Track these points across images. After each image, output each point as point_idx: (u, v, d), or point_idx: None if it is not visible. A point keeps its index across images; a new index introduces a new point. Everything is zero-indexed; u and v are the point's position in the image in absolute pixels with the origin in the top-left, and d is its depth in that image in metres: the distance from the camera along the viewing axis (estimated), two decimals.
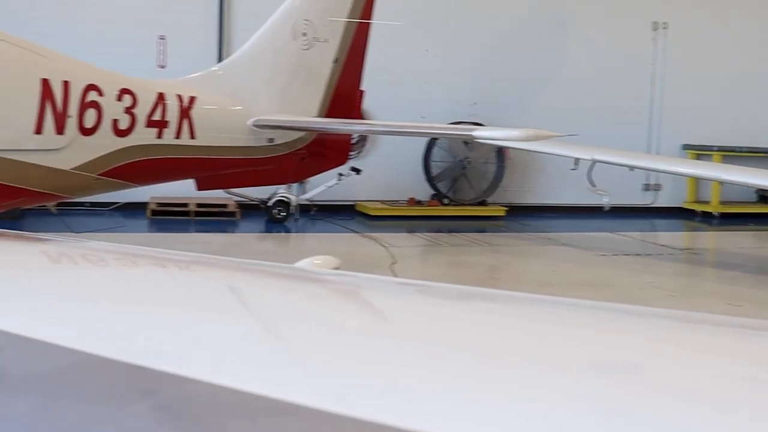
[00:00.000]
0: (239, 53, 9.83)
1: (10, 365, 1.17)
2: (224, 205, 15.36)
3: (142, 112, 8.11)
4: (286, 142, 9.68)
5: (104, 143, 7.80)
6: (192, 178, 9.42)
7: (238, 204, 15.46)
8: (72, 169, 7.58)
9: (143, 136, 8.12)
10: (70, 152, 7.51)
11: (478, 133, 9.37)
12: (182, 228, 14.64)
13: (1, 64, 7.03)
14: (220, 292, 2.13)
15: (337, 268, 2.98)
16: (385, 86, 15.11)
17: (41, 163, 7.33)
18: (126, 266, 2.59)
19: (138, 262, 2.67)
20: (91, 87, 7.64)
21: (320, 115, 10.25)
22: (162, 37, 15.74)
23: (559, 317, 1.96)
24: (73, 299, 1.80)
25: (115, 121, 7.85)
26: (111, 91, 7.85)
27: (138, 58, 14.78)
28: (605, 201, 12.69)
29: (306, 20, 10.01)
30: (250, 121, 9.25)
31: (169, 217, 15.08)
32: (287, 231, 15.15)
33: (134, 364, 1.14)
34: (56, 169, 7.45)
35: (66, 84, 7.42)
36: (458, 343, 1.50)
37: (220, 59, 15.54)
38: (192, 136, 8.59)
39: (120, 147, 7.93)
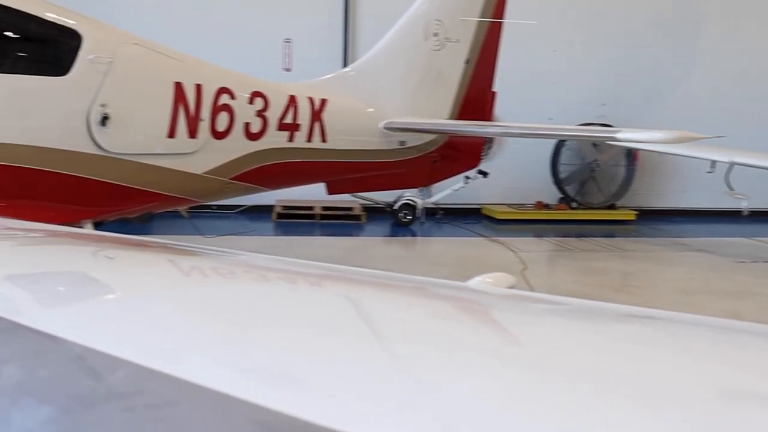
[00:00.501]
0: (370, 54, 9.58)
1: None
2: (350, 209, 15.19)
3: (273, 115, 7.93)
4: (417, 145, 9.39)
5: (236, 147, 7.64)
6: (322, 181, 9.22)
7: (364, 207, 15.27)
8: (204, 173, 7.44)
9: (275, 139, 7.94)
10: (202, 156, 7.37)
11: (622, 135, 8.89)
12: (307, 231, 14.52)
13: (136, 69, 6.92)
14: (372, 314, 1.89)
15: (512, 287, 2.64)
16: (511, 87, 14.69)
17: (174, 168, 7.21)
18: (256, 280, 2.42)
19: (267, 276, 2.51)
20: (223, 90, 7.50)
21: (451, 118, 9.93)
22: (287, 41, 15.67)
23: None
24: (202, 324, 1.61)
25: (247, 125, 7.69)
26: (243, 94, 7.69)
27: (263, 62, 14.74)
28: (744, 205, 12.03)
29: (437, 20, 9.71)
30: (381, 124, 8.99)
31: (294, 220, 14.98)
32: (413, 235, 14.88)
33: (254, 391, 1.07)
34: (189, 173, 7.33)
35: (198, 87, 7.28)
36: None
37: (345, 62, 15.39)
38: (323, 140, 8.38)
39: (252, 151, 7.77)
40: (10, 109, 6.24)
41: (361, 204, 15.09)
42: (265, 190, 8.47)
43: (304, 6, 15.91)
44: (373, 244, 14.19)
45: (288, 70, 15.46)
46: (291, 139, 8.10)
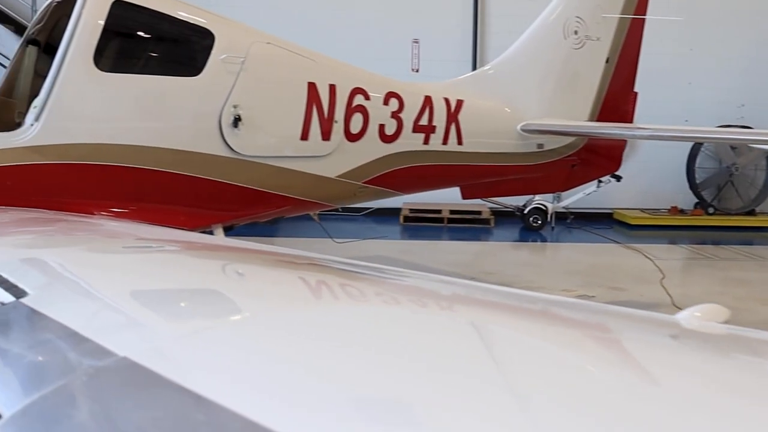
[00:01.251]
0: (508, 53, 9.10)
1: None
2: (478, 212, 14.74)
3: (408, 116, 7.55)
4: (555, 149, 8.88)
5: (370, 150, 7.29)
6: (457, 186, 8.79)
7: (492, 211, 14.78)
8: (337, 176, 7.11)
9: (410, 141, 7.56)
10: (335, 159, 7.04)
11: None
12: (435, 235, 14.14)
13: (269, 68, 6.63)
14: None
15: (725, 322, 2.19)
16: (644, 87, 13.96)
17: (306, 171, 6.90)
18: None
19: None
20: (357, 90, 7.15)
21: (591, 119, 9.38)
22: (416, 41, 15.31)
23: None
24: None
25: (382, 126, 7.32)
26: (377, 95, 7.33)
27: (391, 63, 14.40)
28: None
29: (578, 18, 9.18)
30: (518, 126, 8.52)
31: (421, 224, 14.61)
32: (543, 240, 14.34)
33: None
34: (321, 176, 7.01)
35: (332, 88, 6.96)
36: None
37: (474, 62, 14.97)
38: (459, 142, 7.96)
39: (386, 154, 7.40)
40: (142, 111, 6.02)
41: (489, 208, 14.60)
42: (398, 195, 8.09)
43: (433, 6, 15.52)
44: (502, 249, 13.71)
45: (416, 70, 15.09)
46: (426, 142, 7.71)
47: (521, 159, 8.67)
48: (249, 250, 3.51)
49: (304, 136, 6.77)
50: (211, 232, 6.72)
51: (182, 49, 6.55)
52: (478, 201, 13.85)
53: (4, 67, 13.83)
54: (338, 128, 6.98)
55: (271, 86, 6.64)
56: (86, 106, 5.81)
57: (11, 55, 13.58)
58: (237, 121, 6.30)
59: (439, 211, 14.48)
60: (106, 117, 5.88)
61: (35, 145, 5.63)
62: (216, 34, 6.36)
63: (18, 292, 2.23)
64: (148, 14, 6.28)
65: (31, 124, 5.63)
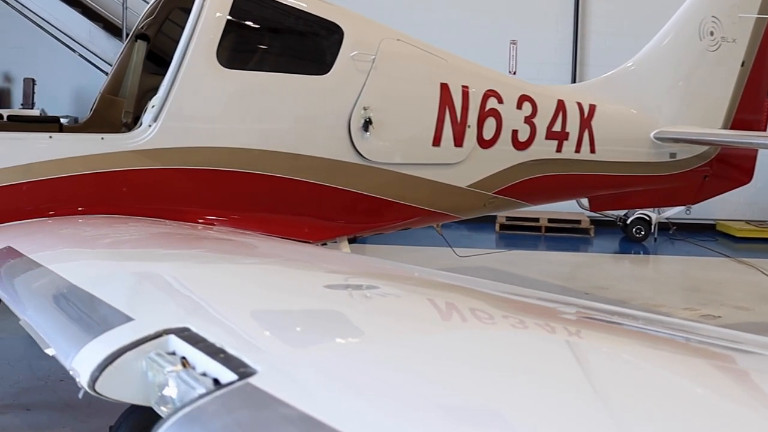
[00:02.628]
0: (641, 55, 8.31)
1: None
2: (577, 221, 13.94)
3: (542, 122, 6.83)
4: (688, 158, 8.10)
5: (502, 157, 6.59)
6: (586, 197, 8.03)
7: (592, 220, 13.97)
8: (468, 186, 6.42)
9: (543, 149, 6.85)
10: (467, 167, 6.36)
11: None
12: (532, 244, 13.39)
13: (400, 67, 5.98)
14: None
15: None
16: None
17: (437, 179, 6.24)
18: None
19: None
20: (490, 93, 6.45)
21: (725, 127, 8.54)
22: (513, 42, 14.55)
23: None
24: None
25: (515, 132, 6.61)
26: (511, 98, 6.62)
27: (488, 64, 13.57)
28: None
29: (714, 18, 8.36)
30: (652, 134, 7.72)
31: (517, 232, 13.85)
32: (645, 252, 13.49)
33: None
34: (452, 185, 6.33)
35: (465, 90, 6.27)
36: None
37: (574, 65, 14.21)
38: (592, 150, 7.22)
39: (518, 162, 6.69)
40: (267, 112, 5.42)
41: (589, 217, 13.78)
42: (527, 206, 7.36)
43: (532, 7, 14.74)
44: (604, 261, 12.89)
45: (513, 73, 14.34)
46: (559, 149, 6.98)
47: (654, 169, 7.89)
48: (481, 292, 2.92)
49: (436, 141, 6.09)
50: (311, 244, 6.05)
51: (310, 45, 5.91)
52: (577, 209, 13.01)
53: (94, 65, 13.48)
54: (471, 134, 6.29)
55: (403, 87, 5.98)
56: (208, 105, 5.21)
57: (102, 53, 13.23)
58: (367, 124, 5.66)
59: (536, 220, 13.71)
60: (228, 118, 5.28)
61: (153, 148, 5.02)
62: (345, 29, 5.73)
63: (240, 367, 1.58)
64: (274, 7, 5.67)
65: (149, 125, 5.02)
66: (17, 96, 14.67)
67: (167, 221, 4.97)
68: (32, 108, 13.66)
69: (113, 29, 13.43)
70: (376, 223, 6.16)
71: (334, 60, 5.64)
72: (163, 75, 6.43)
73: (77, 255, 3.73)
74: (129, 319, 2.17)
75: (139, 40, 6.41)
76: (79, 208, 4.93)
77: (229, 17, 5.27)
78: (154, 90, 6.41)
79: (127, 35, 13.10)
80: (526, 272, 10.87)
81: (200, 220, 5.27)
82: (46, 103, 13.90)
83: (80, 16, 13.23)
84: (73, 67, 14.13)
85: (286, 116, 5.49)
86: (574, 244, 13.60)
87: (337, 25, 5.74)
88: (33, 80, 14.10)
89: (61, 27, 13.19)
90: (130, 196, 5.05)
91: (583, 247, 13.60)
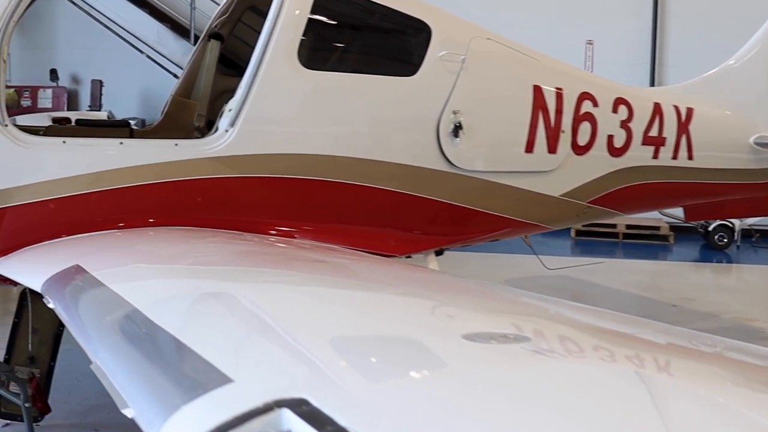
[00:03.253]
0: (740, 54, 7.71)
1: None
2: (656, 228, 13.33)
3: (638, 126, 6.31)
4: None
5: (597, 165, 6.08)
6: (682, 206, 7.47)
7: (672, 227, 13.34)
8: (561, 195, 5.93)
9: (639, 155, 6.33)
10: (560, 175, 5.87)
11: None
12: (608, 251, 12.82)
13: (492, 68, 5.53)
14: None
15: None
16: None
17: (529, 189, 5.77)
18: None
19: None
20: (584, 96, 5.95)
21: None
22: (590, 42, 13.97)
23: None
24: None
25: (610, 138, 6.10)
26: (606, 101, 6.12)
27: None
28: None
29: None
30: (751, 139, 7.13)
31: (594, 239, 13.28)
32: (728, 260, 12.85)
33: None
34: (545, 195, 5.85)
35: (559, 92, 5.79)
36: None
37: (653, 65, 13.63)
38: (690, 157, 6.67)
39: (613, 169, 6.18)
40: (351, 115, 5.01)
41: (668, 223, 13.17)
42: (620, 216, 6.85)
43: (608, 5, 14.15)
44: (683, 269, 12.30)
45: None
46: (656, 156, 6.45)
47: (753, 176, 7.30)
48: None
49: (529, 148, 5.61)
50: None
51: (396, 44, 5.49)
52: (656, 215, 12.44)
53: (161, 66, 13.23)
54: (565, 139, 5.79)
55: (495, 89, 5.53)
56: (289, 109, 4.81)
57: (170, 54, 12.96)
58: (457, 129, 5.21)
59: (614, 226, 13.13)
60: (310, 122, 4.88)
61: (230, 155, 4.61)
62: (432, 27, 5.30)
63: None
64: (357, 4, 5.26)
65: (226, 130, 4.61)
66: (85, 97, 14.51)
67: (245, 234, 4.57)
68: (100, 110, 13.48)
69: (181, 30, 13.15)
70: (463, 236, 5.71)
71: (422, 60, 5.21)
72: (238, 76, 6.04)
73: (155, 280, 3.33)
74: (228, 380, 1.75)
75: (212, 40, 6.04)
76: (150, 220, 4.56)
77: (311, 15, 4.86)
78: (228, 92, 6.04)
79: (196, 36, 12.99)
80: (608, 282, 10.33)
81: (277, 232, 4.86)
82: (113, 105, 13.71)
83: (148, 16, 12.99)
84: (140, 69, 13.96)
85: (370, 121, 5.08)
86: (652, 252, 13.02)
87: (424, 23, 5.30)
88: (101, 82, 13.93)
89: (129, 28, 13.00)
90: (204, 206, 4.67)
91: (662, 254, 13.02)
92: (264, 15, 4.94)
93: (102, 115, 11.74)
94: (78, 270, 3.41)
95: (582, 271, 10.78)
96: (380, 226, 5.21)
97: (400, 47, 5.48)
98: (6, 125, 4.31)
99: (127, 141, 4.53)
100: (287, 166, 4.79)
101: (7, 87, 13.30)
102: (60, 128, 5.39)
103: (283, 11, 4.76)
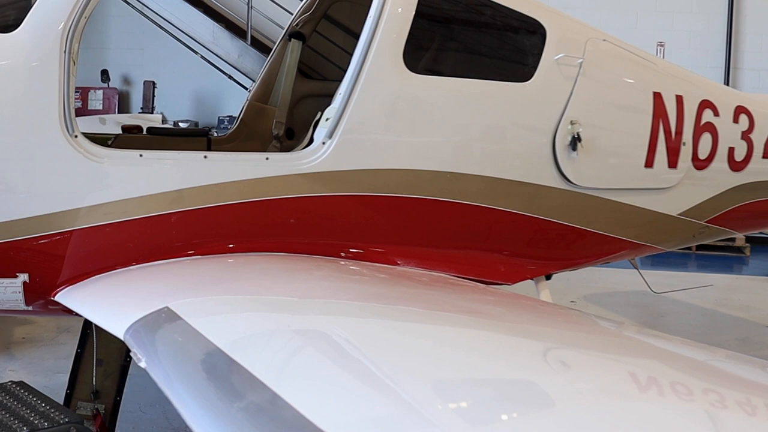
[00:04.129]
0: None
1: None
2: (731, 239, 12.52)
3: (759, 138, 5.66)
4: None
5: (718, 180, 5.43)
6: None
7: (748, 238, 12.56)
8: (679, 214, 5.24)
9: (759, 168, 5.64)
10: (679, 192, 5.21)
11: None
12: (680, 264, 12.06)
13: (611, 73, 4.88)
14: None
15: None
16: None
17: (648, 207, 5.12)
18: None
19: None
20: (705, 104, 5.28)
21: None
22: (660, 44, 13.23)
23: None
24: None
25: (731, 150, 5.44)
26: (727, 110, 5.45)
27: None
28: None
29: None
30: None
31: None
32: None
33: None
34: (662, 214, 5.20)
35: (679, 100, 5.11)
36: None
37: (727, 68, 12.87)
38: None
39: (734, 185, 5.53)
40: (461, 125, 4.39)
41: (744, 234, 12.37)
42: (735, 236, 6.13)
43: (679, 6, 13.38)
44: (758, 285, 11.47)
45: None
46: None
47: None
48: None
49: (649, 162, 4.95)
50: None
51: (509, 46, 4.86)
52: None
53: (216, 67, 12.64)
54: (686, 152, 5.12)
55: (615, 96, 4.89)
56: (394, 118, 4.18)
57: (225, 55, 12.39)
58: (575, 141, 4.53)
59: None
60: (417, 133, 4.24)
61: (327, 170, 3.99)
62: (547, 26, 4.67)
63: None
64: (467, 1, 4.60)
65: (323, 143, 3.97)
66: (136, 99, 14.02)
67: (349, 263, 3.94)
68: (152, 112, 12.99)
69: (237, 30, 12.58)
70: (575, 259, 5.05)
71: (537, 63, 4.57)
72: (322, 80, 5.41)
73: (268, 330, 2.70)
74: None
75: (293, 40, 5.42)
76: (230, 245, 3.93)
77: (418, 12, 4.21)
78: (310, 97, 5.43)
79: (252, 37, 12.45)
80: (689, 298, 9.57)
81: (377, 258, 4.22)
82: (165, 107, 13.22)
83: (203, 16, 12.43)
84: (193, 70, 13.46)
85: (482, 132, 4.44)
86: (726, 264, 12.28)
87: (538, 22, 4.66)
88: (153, 83, 13.43)
89: (183, 28, 12.43)
90: (297, 229, 4.06)
91: (737, 267, 12.29)
92: (354, 12, 4.32)
93: (156, 117, 11.18)
94: (170, 316, 2.79)
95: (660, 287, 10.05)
96: (489, 250, 4.57)
97: (513, 49, 4.84)
98: (76, 136, 3.70)
99: (211, 154, 3.90)
100: (390, 184, 4.17)
101: None
102: (131, 138, 4.80)
103: (387, 7, 4.13)
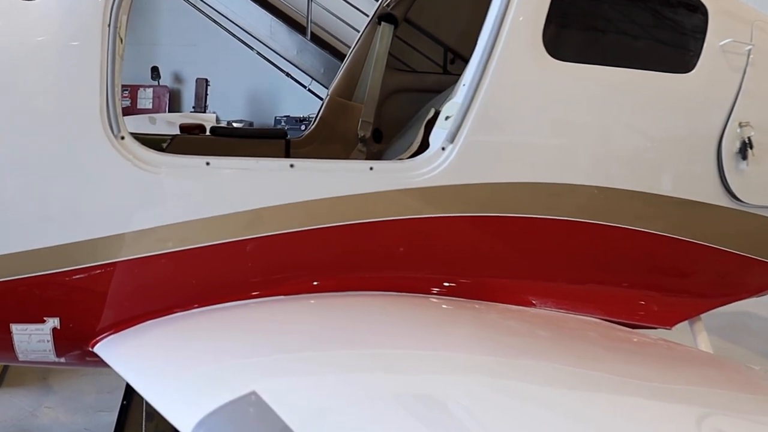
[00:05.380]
0: None
1: None
2: None
3: None
4: None
5: None
6: None
7: None
8: None
9: None
10: None
11: None
12: None
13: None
14: None
15: None
16: None
17: None
18: None
19: None
20: None
21: None
22: None
23: None
24: None
25: None
26: None
27: None
28: None
29: None
30: None
31: None
32: None
33: None
34: None
35: None
36: None
37: None
38: None
39: None
40: (613, 126, 3.37)
41: None
42: None
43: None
44: None
45: None
46: None
47: None
48: None
49: None
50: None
51: (668, 27, 3.80)
52: None
53: (273, 64, 11.70)
54: None
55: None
56: (534, 117, 3.14)
57: (282, 51, 11.45)
58: (745, 148, 3.48)
59: None
60: (562, 136, 3.20)
61: (449, 184, 2.98)
62: (708, 7, 3.61)
63: None
64: None
65: (443, 148, 2.95)
66: (188, 98, 13.16)
67: (485, 308, 2.94)
68: (204, 111, 12.14)
69: (296, 25, 11.64)
70: (739, 294, 4.01)
71: (700, 50, 3.53)
72: (413, 71, 4.42)
73: None
74: None
75: (383, 23, 4.43)
76: (315, 282, 2.94)
77: None
78: (403, 92, 4.43)
79: (312, 32, 11.49)
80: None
81: (508, 297, 3.21)
82: (218, 106, 12.34)
83: (260, 9, 11.49)
84: (248, 66, 12.55)
85: (637, 135, 3.40)
86: None
87: (698, 1, 3.60)
88: (206, 81, 12.56)
89: (239, 22, 11.51)
90: (406, 261, 3.07)
91: None
92: None
93: (209, 117, 10.28)
94: (260, 408, 1.80)
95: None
96: (640, 285, 3.54)
97: (672, 32, 3.79)
98: (122, 137, 2.72)
99: (299, 162, 2.90)
100: (525, 201, 3.15)
101: None
102: (193, 140, 3.82)
103: None
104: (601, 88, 3.30)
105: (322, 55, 11.25)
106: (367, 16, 4.74)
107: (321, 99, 11.47)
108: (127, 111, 13.05)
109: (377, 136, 4.51)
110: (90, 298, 2.82)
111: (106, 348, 2.82)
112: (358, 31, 4.81)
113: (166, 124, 7.75)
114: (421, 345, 2.63)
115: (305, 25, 11.54)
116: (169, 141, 3.81)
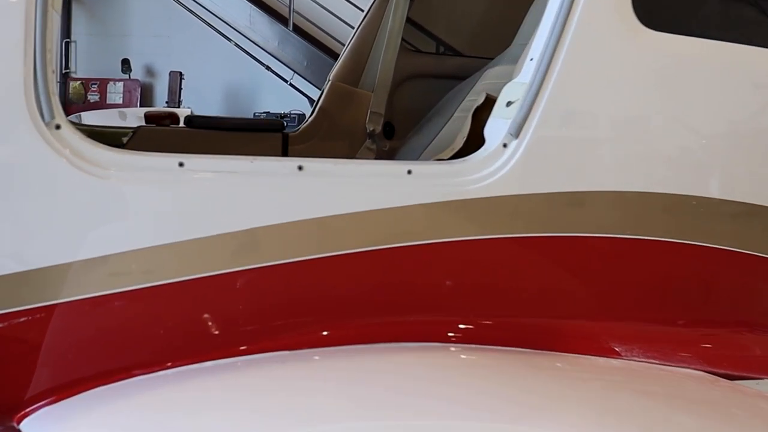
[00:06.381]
0: None
1: None
2: None
3: None
4: None
5: None
6: None
7: None
8: None
9: None
10: None
11: None
12: None
13: None
14: None
15: None
16: None
17: None
18: None
19: None
20: None
21: None
22: None
23: None
24: None
25: None
26: None
27: None
28: None
29: None
30: None
31: None
32: None
33: None
34: None
35: None
36: None
37: None
38: None
39: None
40: (716, 117, 2.54)
41: None
42: None
43: None
44: None
45: None
46: None
47: None
48: None
49: None
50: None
51: None
52: None
53: (252, 56, 11.01)
54: None
55: None
56: (625, 103, 2.30)
57: (263, 42, 10.75)
58: None
59: None
60: (660, 129, 2.39)
61: (513, 194, 2.14)
62: None
63: None
64: None
65: (504, 144, 2.11)
66: (161, 92, 12.54)
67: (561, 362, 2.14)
68: (179, 106, 11.42)
69: (277, 15, 11.08)
70: None
71: None
72: (434, 53, 3.64)
73: None
74: None
75: None
76: (328, 332, 2.09)
77: None
78: (419, 78, 3.62)
79: (294, 23, 10.84)
80: None
81: (578, 344, 2.39)
82: (193, 101, 11.71)
83: None
84: (226, 59, 11.96)
85: (754, 129, 2.55)
86: None
87: None
88: (180, 74, 11.93)
89: (215, 11, 11.03)
90: (456, 300, 2.24)
91: None
92: None
93: (184, 113, 9.49)
94: None
95: None
96: (748, 325, 2.72)
97: None
98: (57, 126, 1.86)
99: (309, 164, 2.04)
100: (612, 217, 2.33)
101: (73, 79, 10.75)
102: (160, 133, 2.95)
103: None
104: (715, 69, 2.47)
105: (306, 47, 10.70)
106: (354, 5, 4.00)
107: (303, 94, 11.04)
108: (96, 106, 12.38)
109: (388, 131, 3.72)
110: (14, 354, 1.98)
111: (36, 425, 1.97)
112: (344, 21, 4.00)
113: (138, 120, 7.02)
114: None
115: (287, 15, 10.97)
116: (130, 135, 2.94)
